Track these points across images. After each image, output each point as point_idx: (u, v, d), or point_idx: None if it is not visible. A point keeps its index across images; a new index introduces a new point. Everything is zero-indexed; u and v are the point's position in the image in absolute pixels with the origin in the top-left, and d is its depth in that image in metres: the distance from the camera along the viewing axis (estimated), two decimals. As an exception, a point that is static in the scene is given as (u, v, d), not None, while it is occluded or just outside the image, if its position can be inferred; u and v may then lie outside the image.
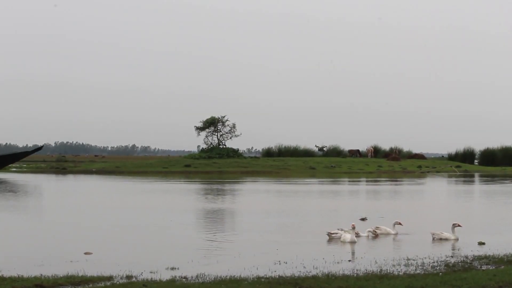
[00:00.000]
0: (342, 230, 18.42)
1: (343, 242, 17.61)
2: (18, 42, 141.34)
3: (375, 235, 19.01)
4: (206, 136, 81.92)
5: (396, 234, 19.25)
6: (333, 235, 18.29)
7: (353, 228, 17.94)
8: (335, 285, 11.54)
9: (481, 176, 65.62)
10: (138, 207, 28.03)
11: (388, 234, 19.26)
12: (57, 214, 25.51)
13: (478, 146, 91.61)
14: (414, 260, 14.73)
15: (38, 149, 68.51)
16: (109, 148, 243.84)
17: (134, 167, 71.30)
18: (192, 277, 12.56)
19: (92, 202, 30.39)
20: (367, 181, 54.52)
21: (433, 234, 18.47)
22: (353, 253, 16.08)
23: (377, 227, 19.53)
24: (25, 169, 71.01)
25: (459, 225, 18.47)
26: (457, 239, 18.12)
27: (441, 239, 18.20)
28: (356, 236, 18.06)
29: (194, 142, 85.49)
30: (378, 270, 13.36)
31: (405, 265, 14.06)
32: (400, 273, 13.04)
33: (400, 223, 19.57)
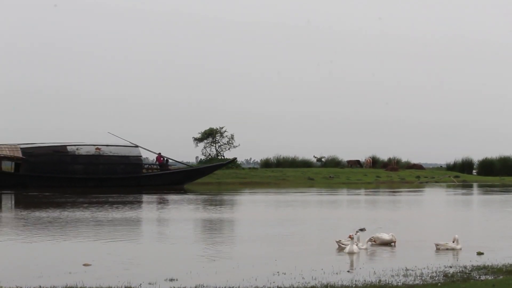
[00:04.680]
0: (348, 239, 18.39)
1: (348, 252, 17.56)
2: (17, 52, 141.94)
3: (375, 243, 19.01)
4: (205, 147, 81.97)
5: (393, 242, 19.16)
6: (342, 244, 18.22)
7: (351, 238, 17.90)
8: (334, 296, 11.54)
9: (479, 186, 65.67)
10: (139, 218, 28.02)
11: (384, 241, 19.16)
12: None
13: (477, 156, 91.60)
14: (413, 270, 14.74)
15: (231, 161, 69.34)
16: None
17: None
18: (191, 288, 12.56)
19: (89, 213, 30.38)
20: (365, 191, 54.54)
21: (438, 245, 18.44)
22: (352, 264, 16.08)
23: (372, 237, 19.50)
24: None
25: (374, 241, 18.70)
26: (461, 249, 18.16)
27: (447, 249, 18.20)
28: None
29: (192, 153, 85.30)
30: (377, 281, 13.37)
31: (404, 276, 14.06)
32: (399, 284, 13.05)
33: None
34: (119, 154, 58.52)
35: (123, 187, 54.07)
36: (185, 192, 51.24)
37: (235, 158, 72.17)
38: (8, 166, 58.28)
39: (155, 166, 62.87)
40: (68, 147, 57.34)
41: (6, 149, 55.97)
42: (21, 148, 56.12)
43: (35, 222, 25.87)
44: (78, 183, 55.63)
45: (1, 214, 29.80)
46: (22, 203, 37.05)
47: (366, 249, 18.54)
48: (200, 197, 42.96)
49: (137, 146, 60.03)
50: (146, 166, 62.50)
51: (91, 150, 57.73)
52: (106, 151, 58.24)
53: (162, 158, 62.35)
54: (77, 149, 57.44)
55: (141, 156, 60.06)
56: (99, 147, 58.29)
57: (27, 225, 24.82)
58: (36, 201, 38.33)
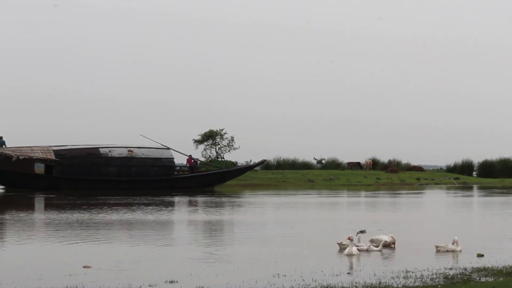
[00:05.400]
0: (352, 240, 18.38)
1: (347, 254, 17.55)
2: (19, 55, 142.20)
3: (376, 245, 19.00)
4: (205, 149, 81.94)
5: (392, 243, 19.14)
6: (344, 244, 18.22)
7: (351, 240, 17.88)
8: (334, 298, 11.54)
9: (479, 188, 65.67)
10: (140, 220, 28.03)
11: (383, 243, 19.13)
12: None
13: (477, 158, 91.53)
14: (413, 272, 14.74)
15: (261, 162, 69.46)
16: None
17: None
18: (191, 290, 12.57)
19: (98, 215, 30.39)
20: (365, 193, 54.55)
21: (438, 247, 18.43)
22: (352, 266, 16.08)
23: (371, 239, 19.49)
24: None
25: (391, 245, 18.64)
26: (461, 251, 18.15)
27: (447, 251, 18.19)
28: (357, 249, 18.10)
29: (192, 155, 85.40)
30: (377, 283, 13.37)
31: (404, 278, 14.06)
32: (399, 286, 13.05)
33: (389, 245, 19.30)
34: (152, 156, 58.69)
35: (155, 189, 54.11)
36: (214, 193, 51.45)
37: (265, 160, 72.56)
38: (39, 168, 58.08)
39: (185, 168, 63.28)
40: (100, 149, 57.34)
41: (39, 151, 55.69)
42: (53, 150, 55.93)
43: (58, 224, 25.87)
44: (111, 185, 55.53)
45: (31, 216, 29.72)
46: (56, 205, 36.66)
47: (366, 250, 18.49)
48: (200, 199, 42.96)
49: (168, 148, 60.39)
50: (177, 168, 62.65)
51: (124, 152, 57.75)
52: (138, 153, 58.33)
53: (192, 160, 62.97)
54: (109, 151, 57.45)
55: (173, 158, 60.37)
56: (131, 149, 58.44)
57: (51, 227, 24.83)
58: (69, 203, 38.09)
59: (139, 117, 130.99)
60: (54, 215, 29.49)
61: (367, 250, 18.43)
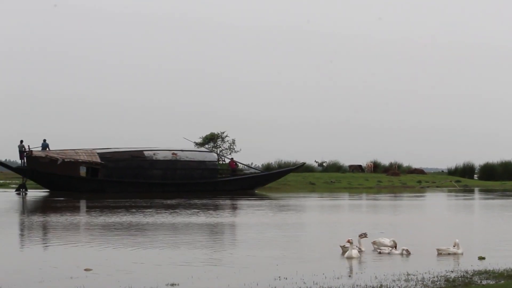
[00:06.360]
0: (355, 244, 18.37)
1: (347, 257, 17.55)
2: (17, 58, 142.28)
3: (379, 250, 19.00)
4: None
5: (393, 247, 19.13)
6: (347, 247, 18.21)
7: (350, 243, 17.86)
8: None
9: (480, 190, 65.64)
10: (142, 223, 28.03)
11: (385, 246, 19.13)
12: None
13: (478, 161, 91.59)
14: (414, 275, 14.73)
15: (300, 165, 69.87)
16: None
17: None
18: (192, 293, 12.57)
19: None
20: (367, 196, 54.54)
21: (439, 250, 18.42)
22: (352, 269, 16.07)
23: (373, 242, 19.50)
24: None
25: (408, 251, 18.46)
26: (462, 254, 18.14)
27: (449, 254, 18.18)
28: (359, 251, 18.09)
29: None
30: (378, 286, 13.37)
31: (405, 280, 14.06)
32: (400, 288, 13.05)
33: (406, 251, 18.97)
34: (196, 159, 58.95)
35: (199, 192, 54.31)
36: (259, 196, 51.70)
37: (304, 163, 72.88)
38: (82, 171, 58.11)
39: (227, 171, 63.71)
40: (145, 152, 57.51)
41: (83, 154, 55.71)
42: (98, 153, 56.01)
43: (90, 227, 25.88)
44: (156, 188, 55.66)
45: (71, 219, 29.77)
46: (103, 208, 36.59)
47: (388, 253, 18.34)
48: (201, 202, 42.95)
49: (211, 151, 60.59)
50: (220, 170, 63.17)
51: (168, 155, 57.92)
52: (182, 156, 58.52)
53: (234, 163, 63.50)
54: (154, 154, 57.60)
55: (216, 161, 60.83)
56: (175, 152, 58.59)
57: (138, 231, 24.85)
58: (117, 206, 38.07)
59: (140, 120, 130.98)
60: (139, 217, 29.53)
61: (388, 254, 18.39)
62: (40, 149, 56.56)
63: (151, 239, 21.97)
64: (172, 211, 34.37)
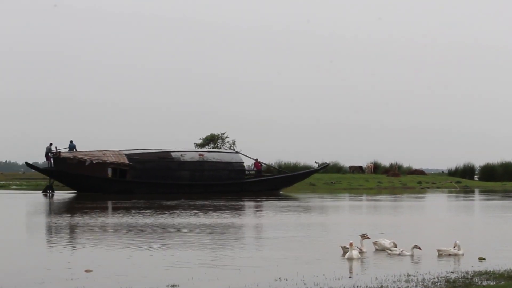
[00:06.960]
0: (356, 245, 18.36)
1: (347, 258, 17.53)
2: (16, 59, 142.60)
3: (379, 249, 18.98)
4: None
5: (392, 248, 19.09)
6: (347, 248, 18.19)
7: (351, 245, 17.82)
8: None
9: (481, 191, 65.65)
10: (146, 224, 28.04)
11: (384, 248, 19.10)
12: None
13: (478, 162, 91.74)
14: (414, 276, 14.73)
15: (325, 166, 70.09)
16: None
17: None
18: (192, 294, 12.56)
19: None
20: (367, 197, 54.53)
21: (439, 251, 18.40)
22: (351, 270, 16.06)
23: (374, 242, 19.49)
24: (25, 187, 70.91)
25: (419, 248, 18.29)
26: (463, 255, 18.13)
27: (449, 255, 18.17)
28: (360, 252, 18.08)
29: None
30: (379, 286, 13.36)
31: (406, 281, 14.05)
32: (401, 289, 13.04)
33: (418, 247, 18.83)
34: (223, 161, 59.11)
35: (227, 193, 54.47)
36: (287, 197, 51.85)
37: (328, 164, 73.06)
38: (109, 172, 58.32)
39: (252, 172, 64.10)
40: (172, 154, 57.62)
41: (111, 155, 55.77)
42: (125, 154, 56.06)
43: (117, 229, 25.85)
44: (184, 189, 55.80)
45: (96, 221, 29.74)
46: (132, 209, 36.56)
47: (399, 254, 18.28)
48: (201, 203, 42.94)
49: (237, 153, 60.70)
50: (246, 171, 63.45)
51: (195, 157, 58.13)
52: (209, 157, 58.69)
53: (260, 164, 63.93)
54: (181, 155, 57.76)
55: (243, 162, 61.08)
56: (202, 153, 58.75)
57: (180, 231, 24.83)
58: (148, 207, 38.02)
59: (140, 121, 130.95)
60: (182, 218, 29.52)
61: (399, 255, 18.35)
62: (67, 150, 56.67)
63: (177, 239, 21.98)
64: (195, 212, 34.33)
